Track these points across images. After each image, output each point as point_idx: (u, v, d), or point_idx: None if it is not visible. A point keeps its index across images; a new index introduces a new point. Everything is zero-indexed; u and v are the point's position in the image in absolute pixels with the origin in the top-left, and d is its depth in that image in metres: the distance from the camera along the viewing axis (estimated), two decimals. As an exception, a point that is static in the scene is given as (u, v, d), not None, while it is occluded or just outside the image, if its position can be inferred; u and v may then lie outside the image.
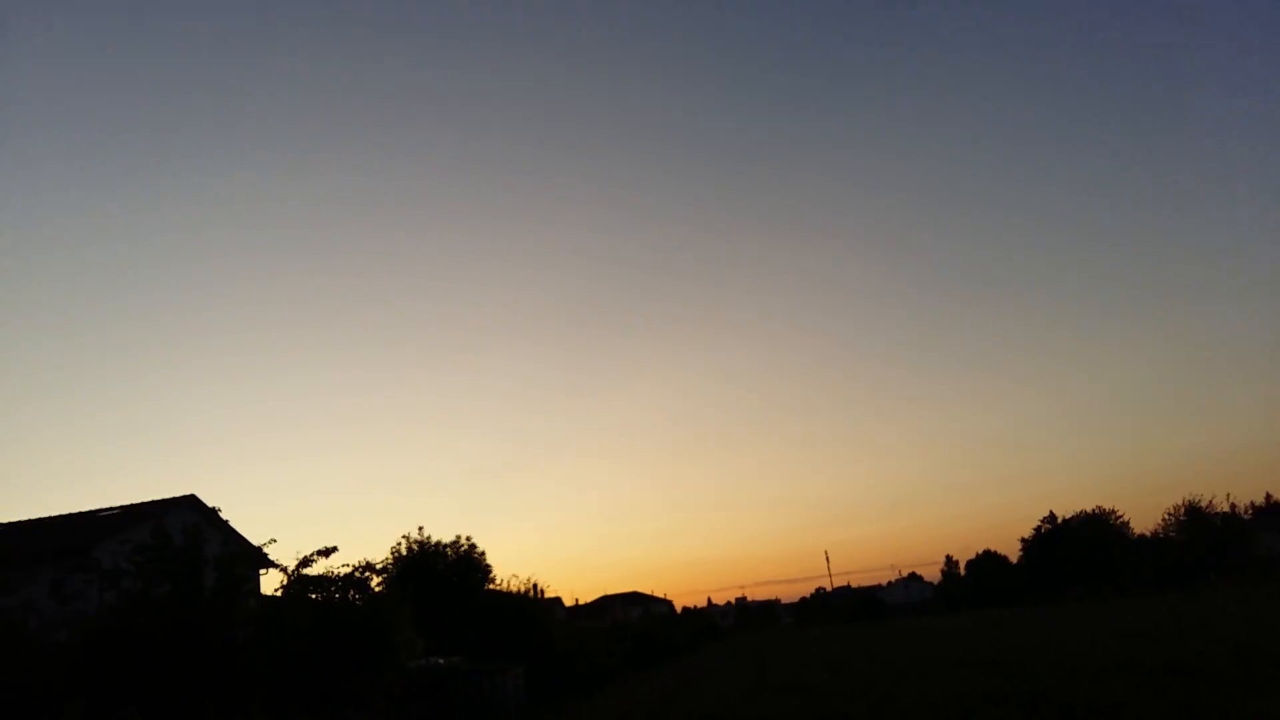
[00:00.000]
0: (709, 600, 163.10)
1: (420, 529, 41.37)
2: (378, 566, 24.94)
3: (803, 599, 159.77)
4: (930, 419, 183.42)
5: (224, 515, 23.87)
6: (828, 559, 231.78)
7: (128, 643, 18.58)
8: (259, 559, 23.03)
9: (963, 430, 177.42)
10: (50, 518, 24.90)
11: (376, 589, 25.19)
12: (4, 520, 17.83)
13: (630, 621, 77.86)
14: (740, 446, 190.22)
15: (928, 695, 18.84)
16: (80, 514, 25.38)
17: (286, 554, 23.83)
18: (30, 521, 24.10)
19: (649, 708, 24.73)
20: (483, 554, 41.81)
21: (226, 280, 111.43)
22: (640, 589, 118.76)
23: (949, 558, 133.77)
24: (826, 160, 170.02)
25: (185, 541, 20.23)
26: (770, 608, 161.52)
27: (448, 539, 41.53)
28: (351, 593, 23.55)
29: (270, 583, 24.09)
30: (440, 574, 39.59)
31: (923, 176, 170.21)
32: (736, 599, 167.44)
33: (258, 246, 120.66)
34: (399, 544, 40.73)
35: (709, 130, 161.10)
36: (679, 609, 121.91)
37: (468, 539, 41.82)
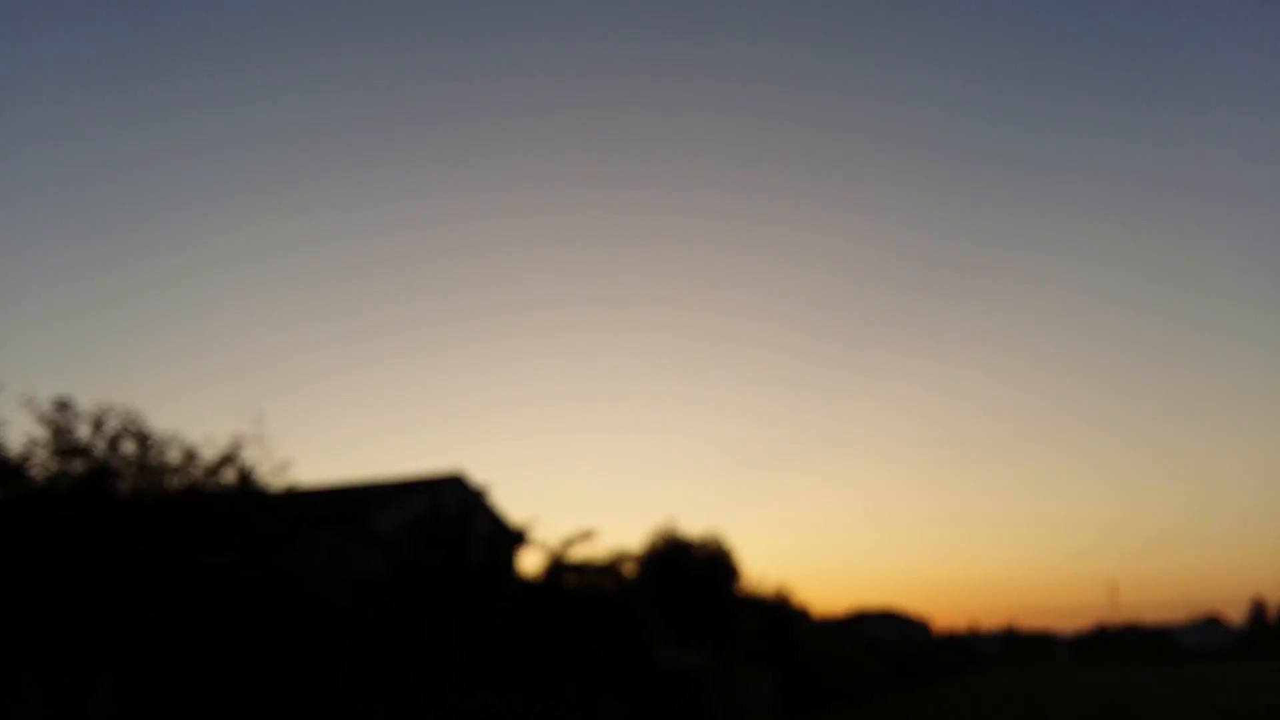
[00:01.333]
0: (972, 625, 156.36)
1: (671, 520, 42.24)
2: (630, 557, 25.74)
3: (1079, 633, 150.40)
4: (1254, 440, 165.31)
5: (486, 494, 25.48)
6: (1113, 591, 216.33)
7: (401, 610, 20.21)
8: (520, 538, 24.34)
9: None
10: (329, 486, 27.43)
11: (629, 578, 26.04)
12: (286, 485, 19.84)
13: (883, 639, 76.14)
14: (1020, 458, 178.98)
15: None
16: (356, 484, 27.87)
17: (542, 534, 25.09)
18: (310, 488, 26.64)
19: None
20: (732, 552, 42.18)
21: (499, 265, 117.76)
22: (896, 605, 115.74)
23: (1258, 600, 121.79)
24: (1125, 141, 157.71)
25: (456, 516, 21.71)
26: (1043, 640, 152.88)
27: (698, 532, 42.19)
28: (607, 580, 24.50)
29: (529, 561, 25.46)
30: (689, 569, 40.28)
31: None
32: (1003, 626, 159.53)
33: (528, 231, 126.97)
34: (651, 535, 41.80)
35: (992, 107, 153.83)
36: (937, 631, 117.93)
37: (719, 535, 42.29)
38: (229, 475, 17.54)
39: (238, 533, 17.38)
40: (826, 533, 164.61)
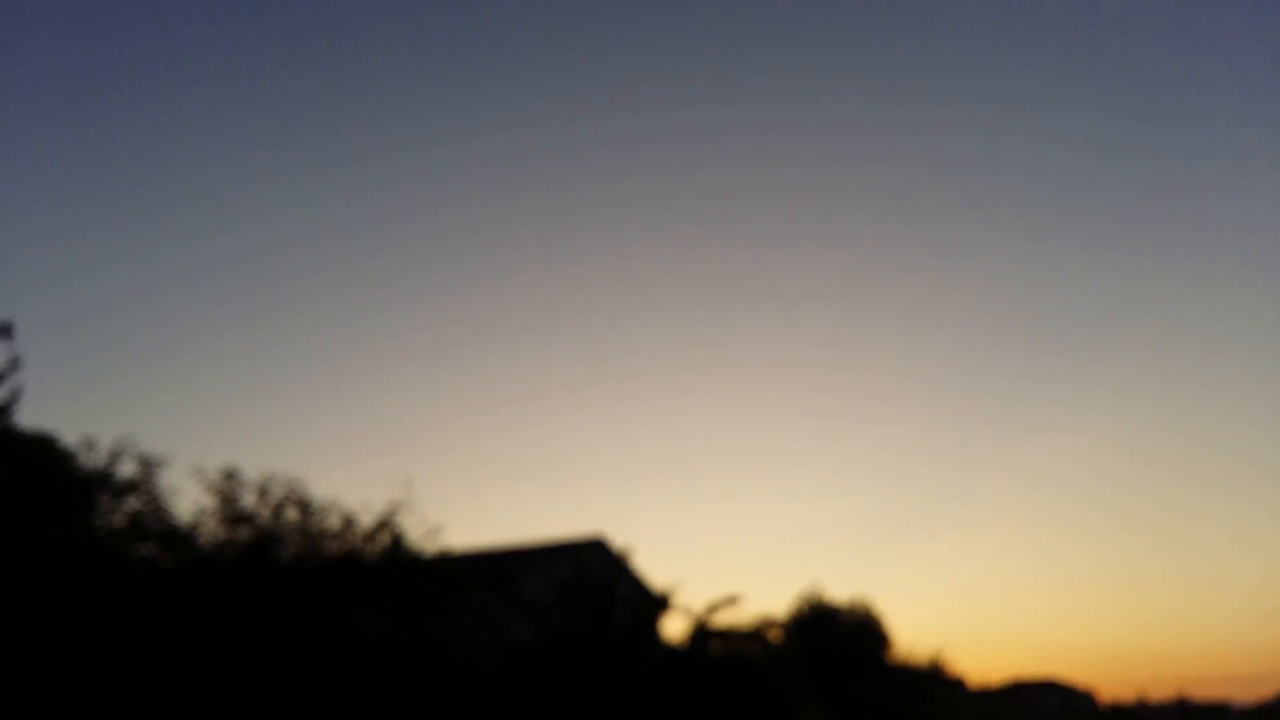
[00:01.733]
0: (1141, 695, 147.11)
1: (817, 585, 41.41)
2: (776, 623, 25.34)
3: (1259, 703, 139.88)
4: None
5: (630, 557, 25.59)
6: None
7: (549, 674, 20.39)
8: (663, 603, 24.28)
9: None
10: (477, 550, 28.02)
11: (775, 645, 25.61)
12: (437, 550, 20.39)
13: (1044, 710, 72.51)
14: (1193, 515, 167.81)
15: None
16: (503, 549, 28.40)
17: (686, 599, 24.95)
18: (459, 553, 27.27)
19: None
20: (882, 619, 41.03)
21: (646, 326, 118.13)
22: (1058, 675, 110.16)
23: None
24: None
25: (600, 580, 21.86)
26: (1219, 710, 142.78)
27: (846, 598, 41.22)
28: (752, 647, 24.16)
29: (673, 627, 25.36)
30: (837, 636, 39.35)
31: None
32: (1174, 696, 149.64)
33: (675, 292, 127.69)
34: (796, 601, 41.06)
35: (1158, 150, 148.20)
36: (1103, 702, 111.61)
37: (867, 601, 41.24)
38: (384, 540, 18.14)
39: (392, 598, 17.91)
40: (983, 598, 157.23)
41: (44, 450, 19.02)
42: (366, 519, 18.19)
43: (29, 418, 18.36)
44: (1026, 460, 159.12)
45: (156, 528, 17.05)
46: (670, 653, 24.47)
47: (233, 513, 17.20)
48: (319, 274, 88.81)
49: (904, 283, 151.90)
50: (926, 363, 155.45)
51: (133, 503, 17.12)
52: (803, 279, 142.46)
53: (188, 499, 17.34)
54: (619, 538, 26.54)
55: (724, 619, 23.81)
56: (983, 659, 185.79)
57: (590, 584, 22.14)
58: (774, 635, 25.41)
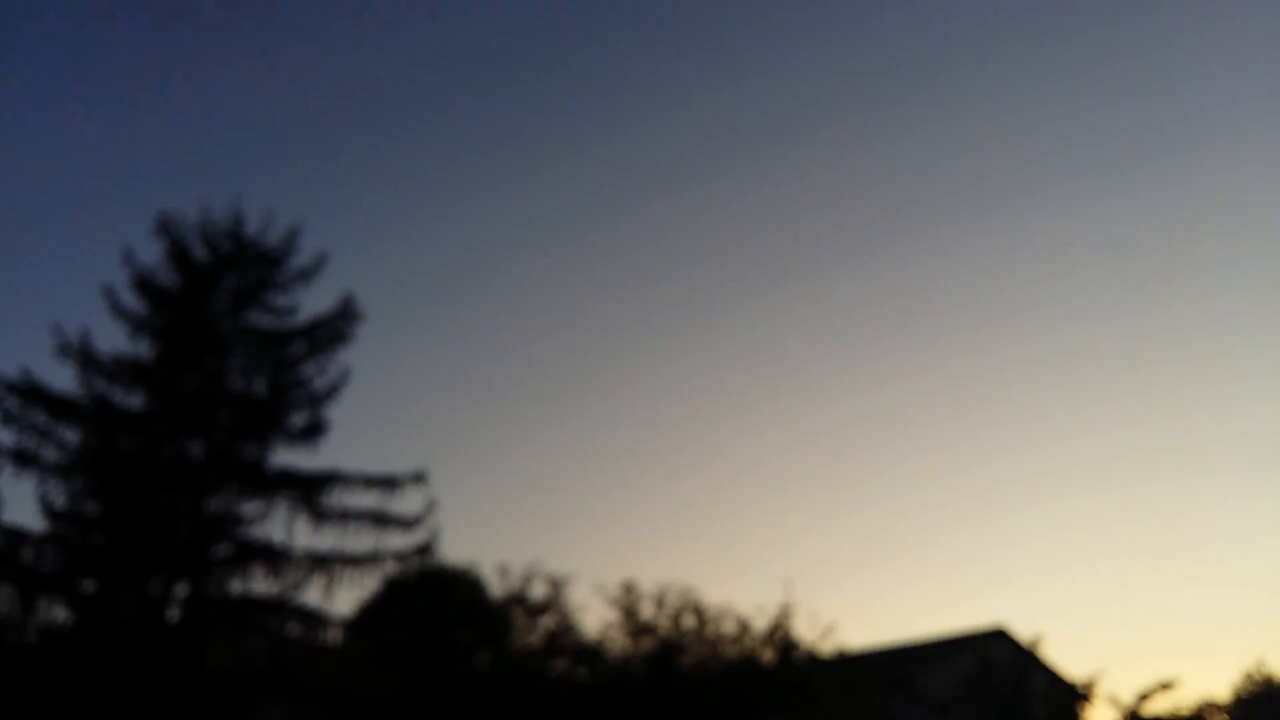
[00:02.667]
0: None
1: (1262, 661, 36.56)
2: (1220, 706, 22.68)
3: None
4: None
5: (1040, 648, 23.96)
6: None
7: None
8: (1083, 694, 22.58)
9: None
10: (873, 648, 27.45)
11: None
12: (830, 650, 20.20)
13: None
14: None
15: None
16: (898, 645, 27.62)
17: (1110, 688, 22.97)
18: (853, 652, 26.84)
19: None
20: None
21: (1031, 406, 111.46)
22: None
23: None
24: None
25: (1008, 673, 20.71)
26: None
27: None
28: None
29: (1096, 718, 23.36)
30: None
31: None
32: None
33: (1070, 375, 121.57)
34: (1239, 680, 36.44)
35: None
36: None
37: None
38: (780, 643, 18.32)
39: (793, 700, 17.94)
40: None
41: (465, 581, 21.09)
42: (760, 623, 18.49)
43: (448, 552, 20.51)
44: None
45: (568, 643, 18.30)
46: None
47: (635, 625, 18.12)
48: (675, 389, 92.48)
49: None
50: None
51: (546, 621, 18.52)
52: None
53: (592, 614, 18.50)
54: (1025, 626, 25.04)
55: (1158, 706, 21.66)
56: None
57: (998, 677, 20.98)
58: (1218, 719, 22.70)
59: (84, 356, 17.84)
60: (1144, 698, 21.32)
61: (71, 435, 17.42)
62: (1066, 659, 30.71)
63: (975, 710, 21.08)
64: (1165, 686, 21.14)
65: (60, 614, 17.12)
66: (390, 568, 18.70)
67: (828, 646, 18.98)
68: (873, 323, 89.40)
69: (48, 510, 17.16)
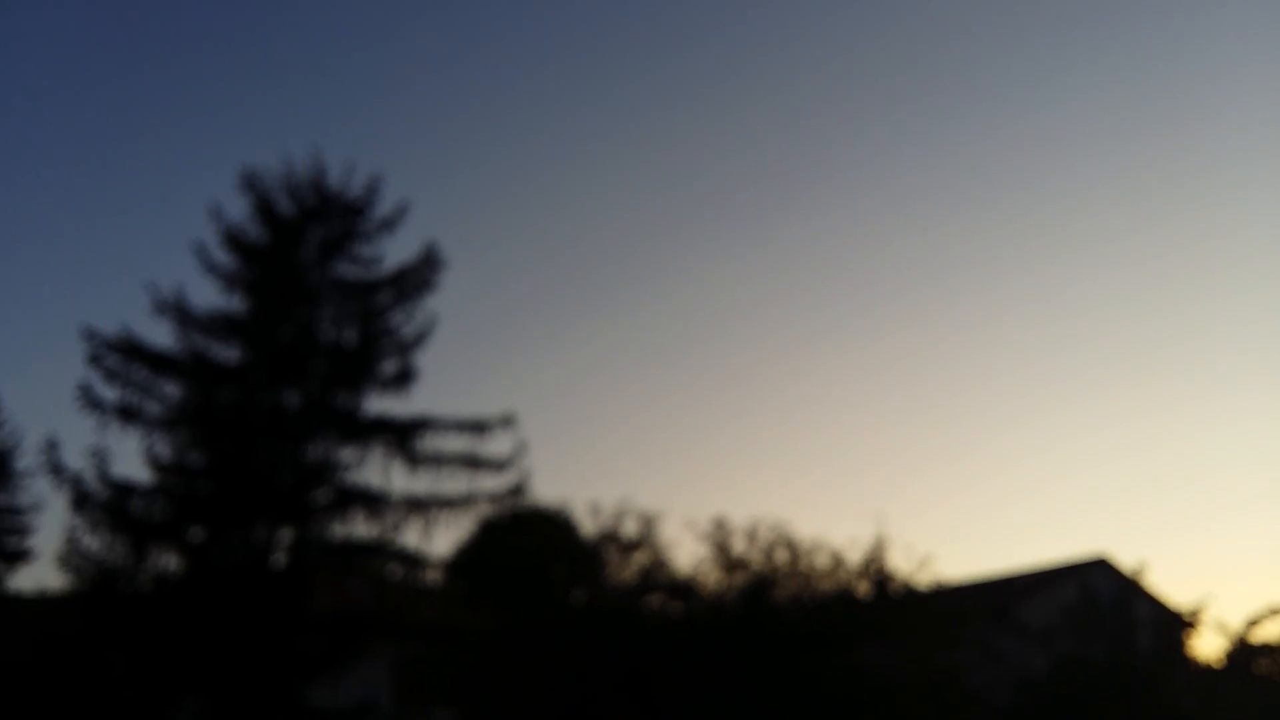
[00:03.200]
0: None
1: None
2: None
3: None
4: None
5: (1144, 577, 23.45)
6: None
7: (1065, 706, 19.18)
8: (1188, 621, 22.13)
9: None
10: (969, 580, 27.21)
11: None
12: (929, 582, 20.04)
13: None
14: None
15: None
16: (995, 576, 27.31)
17: (1218, 615, 22.45)
18: (951, 584, 26.63)
19: None
20: None
21: (1138, 321, 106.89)
22: None
23: None
24: None
25: (1111, 602, 20.34)
26: None
27: None
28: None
29: (1205, 647, 22.87)
30: None
31: None
32: None
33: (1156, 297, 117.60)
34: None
35: None
36: None
37: None
38: (875, 576, 18.22)
39: (890, 633, 17.87)
40: None
41: (557, 521, 21.39)
42: (854, 556, 18.40)
43: (539, 492, 20.80)
44: None
45: (662, 579, 18.45)
46: (1205, 675, 22.15)
47: (727, 560, 18.17)
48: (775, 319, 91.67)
49: None
50: None
51: (638, 558, 18.70)
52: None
53: (684, 551, 18.61)
54: (1128, 554, 24.53)
55: (1268, 632, 21.13)
56: None
57: (1100, 607, 20.62)
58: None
59: (180, 313, 18.35)
60: (1253, 624, 20.87)
61: (171, 390, 18.02)
62: (1171, 586, 30.08)
63: (1078, 641, 20.78)
64: (1275, 612, 20.66)
65: (171, 563, 17.85)
66: (484, 509, 19.15)
67: (924, 579, 18.82)
68: (964, 254, 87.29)
69: (154, 463, 17.81)
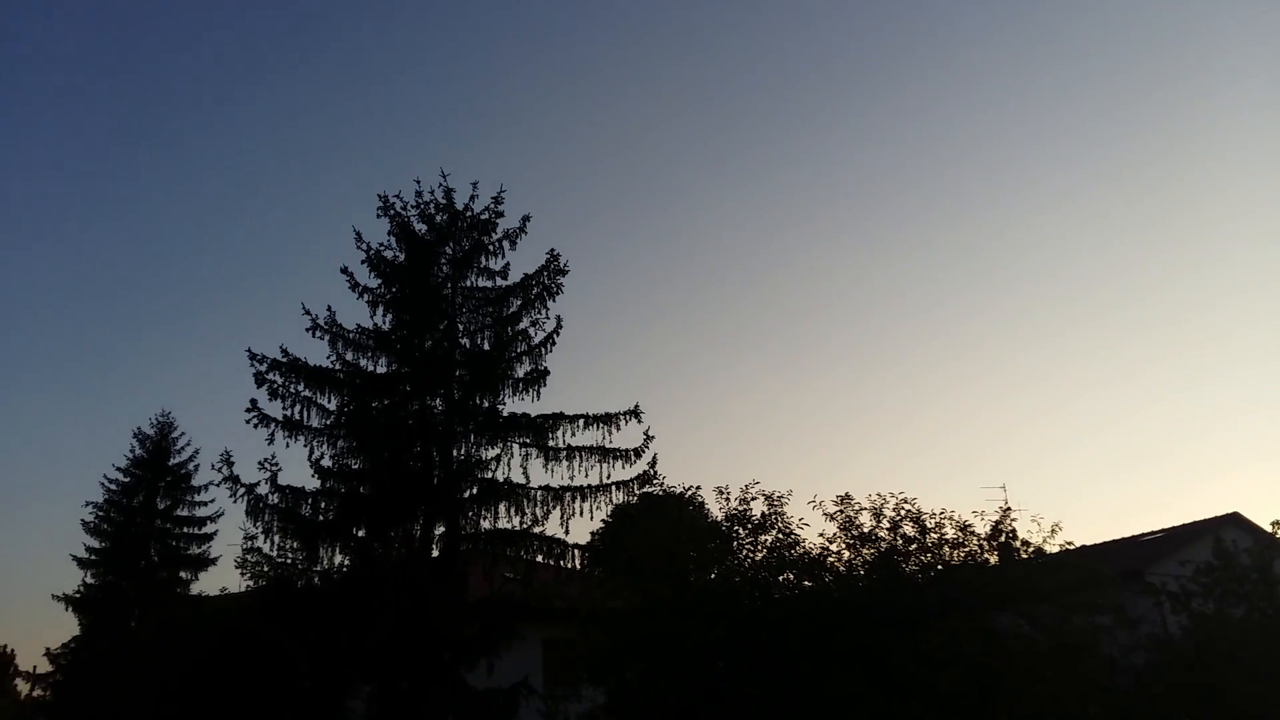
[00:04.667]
0: None
1: None
2: None
3: None
4: None
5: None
6: None
7: (1205, 668, 19.02)
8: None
9: None
10: (1098, 544, 27.06)
11: None
12: (1056, 548, 20.06)
13: None
14: None
15: None
16: (1125, 539, 27.08)
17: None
18: (1079, 550, 26.50)
19: None
20: None
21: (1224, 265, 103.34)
22: None
23: None
24: None
25: (1248, 561, 20.08)
26: None
27: None
28: None
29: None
30: None
31: None
32: None
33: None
34: None
35: None
36: None
37: None
38: (1005, 544, 18.50)
39: (1023, 599, 18.11)
40: None
41: (686, 505, 22.15)
42: (981, 526, 18.68)
43: (668, 478, 21.70)
44: None
45: (792, 557, 19.05)
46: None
47: (855, 536, 18.69)
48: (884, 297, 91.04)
49: None
50: None
51: (767, 538, 19.32)
52: None
53: (812, 529, 19.19)
54: (1263, 512, 24.03)
55: None
56: None
57: (1237, 566, 20.31)
58: None
59: (333, 331, 19.89)
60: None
61: (329, 401, 19.55)
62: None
63: (1214, 601, 20.50)
64: None
65: (338, 560, 19.38)
66: (617, 496, 20.34)
67: (1053, 545, 18.99)
68: (1087, 225, 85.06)
69: (318, 468, 19.37)
